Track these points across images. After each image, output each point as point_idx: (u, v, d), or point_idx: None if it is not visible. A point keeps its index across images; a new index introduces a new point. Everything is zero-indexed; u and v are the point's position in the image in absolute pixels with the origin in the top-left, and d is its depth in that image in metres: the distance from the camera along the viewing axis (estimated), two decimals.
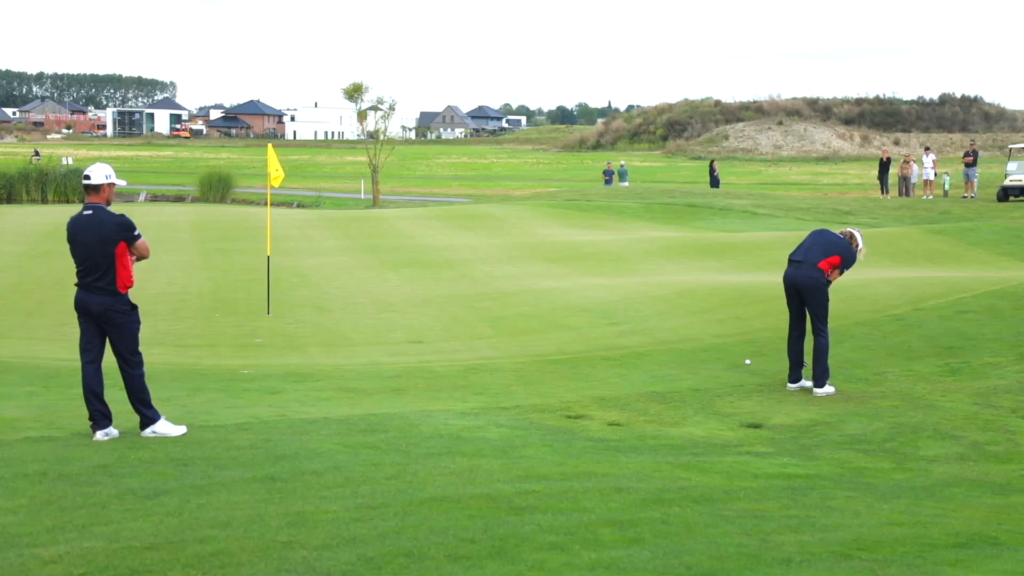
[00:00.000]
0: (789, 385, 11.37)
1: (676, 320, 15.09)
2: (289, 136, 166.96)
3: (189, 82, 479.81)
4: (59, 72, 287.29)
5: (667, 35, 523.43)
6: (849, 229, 11.75)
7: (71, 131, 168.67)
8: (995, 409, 10.06)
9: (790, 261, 11.40)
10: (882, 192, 41.94)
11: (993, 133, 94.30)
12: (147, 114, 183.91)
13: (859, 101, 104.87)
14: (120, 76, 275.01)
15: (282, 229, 26.90)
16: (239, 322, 15.35)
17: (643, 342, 13.76)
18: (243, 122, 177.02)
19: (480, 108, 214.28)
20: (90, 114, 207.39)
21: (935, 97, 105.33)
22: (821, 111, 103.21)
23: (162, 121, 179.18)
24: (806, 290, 11.21)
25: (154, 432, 8.36)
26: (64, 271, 20.31)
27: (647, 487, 6.88)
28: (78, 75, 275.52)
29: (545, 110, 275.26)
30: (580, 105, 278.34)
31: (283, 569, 4.93)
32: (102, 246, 8.16)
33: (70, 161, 61.37)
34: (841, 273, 11.42)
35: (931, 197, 39.21)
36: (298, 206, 48.16)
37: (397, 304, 16.94)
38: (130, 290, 8.41)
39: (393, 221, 31.25)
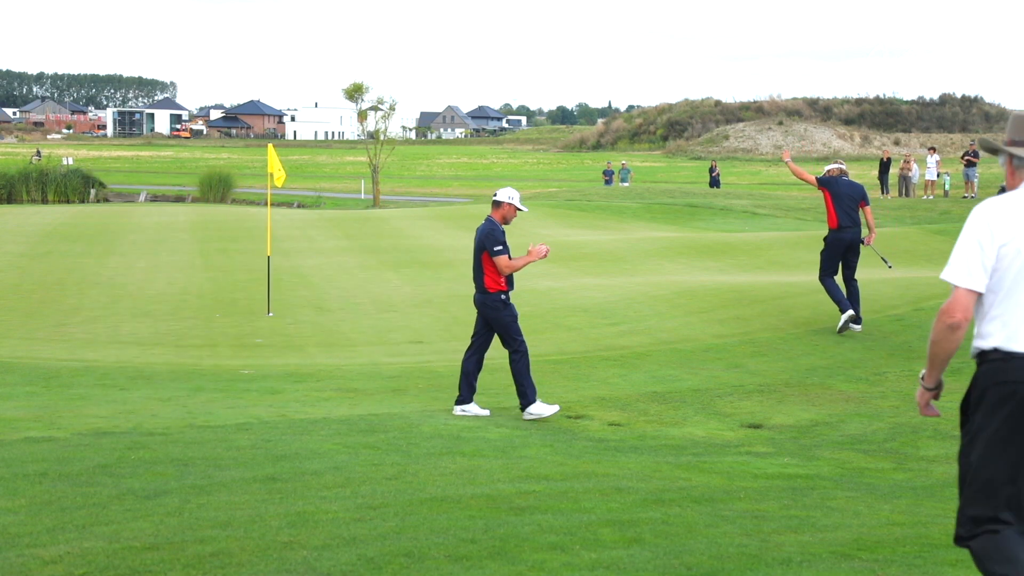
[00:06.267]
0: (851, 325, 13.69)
1: (676, 320, 15.08)
2: (289, 136, 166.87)
3: (189, 82, 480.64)
4: (59, 72, 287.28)
5: (667, 35, 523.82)
6: (836, 167, 14.26)
7: (71, 131, 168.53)
8: None
9: (843, 227, 13.80)
10: (882, 192, 41.94)
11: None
12: (147, 114, 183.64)
13: (859, 101, 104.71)
14: (120, 76, 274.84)
15: (282, 229, 26.90)
16: (239, 322, 15.35)
17: (643, 342, 13.76)
18: (243, 122, 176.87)
19: (480, 108, 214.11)
20: (90, 114, 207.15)
21: (935, 97, 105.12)
22: (821, 111, 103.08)
23: (162, 121, 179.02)
24: (854, 246, 13.89)
25: (530, 414, 9.77)
26: (64, 271, 20.35)
27: (647, 487, 6.88)
28: (78, 75, 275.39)
29: (545, 110, 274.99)
30: (580, 105, 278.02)
31: (283, 569, 4.93)
32: (477, 251, 9.91)
33: (70, 161, 61.31)
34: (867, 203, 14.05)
35: (931, 197, 39.21)
36: (298, 206, 48.14)
37: (397, 304, 16.93)
38: (502, 292, 9.84)
39: (393, 221, 31.24)
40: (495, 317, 9.88)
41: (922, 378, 4.12)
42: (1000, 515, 3.83)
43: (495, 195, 10.08)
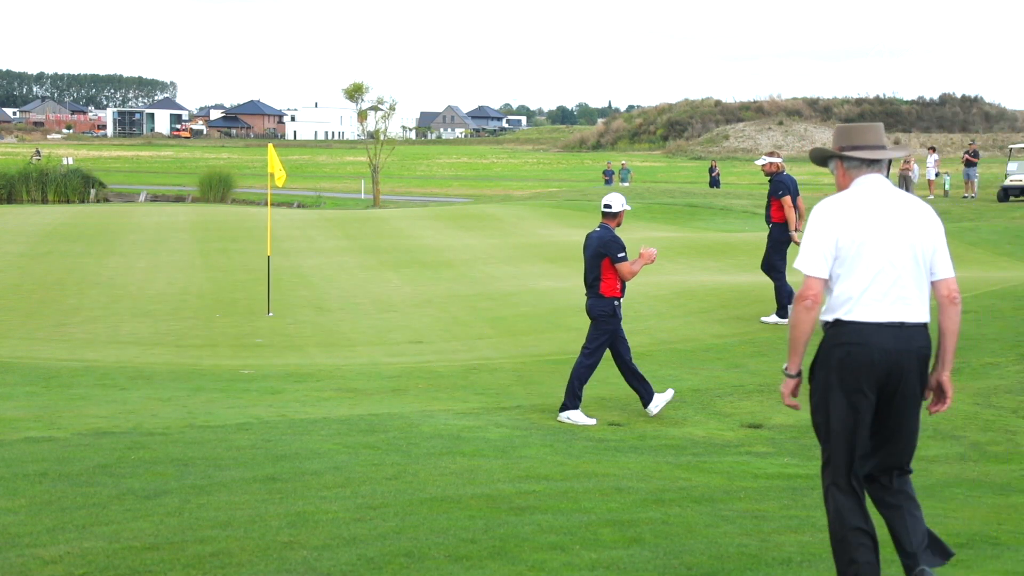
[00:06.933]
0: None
1: (676, 320, 15.08)
2: (289, 136, 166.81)
3: (189, 82, 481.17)
4: (59, 72, 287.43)
5: (667, 35, 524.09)
6: (775, 161, 14.46)
7: (71, 131, 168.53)
8: (995, 409, 10.05)
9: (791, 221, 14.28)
10: None
11: (993, 133, 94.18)
12: (147, 114, 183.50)
13: (859, 101, 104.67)
14: (120, 76, 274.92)
15: (282, 229, 26.90)
16: (239, 322, 15.35)
17: (643, 342, 13.74)
18: (243, 122, 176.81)
19: (480, 108, 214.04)
20: (90, 114, 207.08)
21: (935, 97, 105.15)
22: (821, 111, 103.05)
23: (162, 121, 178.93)
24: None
25: (568, 418, 9.80)
26: (64, 271, 20.36)
27: (647, 487, 6.88)
28: (78, 75, 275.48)
29: (545, 110, 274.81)
30: (580, 105, 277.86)
31: (283, 569, 4.93)
32: (594, 258, 9.94)
33: (70, 161, 61.25)
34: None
35: (932, 197, 39.20)
36: (298, 206, 48.14)
37: (397, 304, 16.93)
38: (615, 298, 9.93)
39: (393, 221, 31.24)
40: (600, 318, 9.95)
41: (785, 369, 4.68)
42: (852, 461, 4.53)
43: (607, 205, 10.06)
